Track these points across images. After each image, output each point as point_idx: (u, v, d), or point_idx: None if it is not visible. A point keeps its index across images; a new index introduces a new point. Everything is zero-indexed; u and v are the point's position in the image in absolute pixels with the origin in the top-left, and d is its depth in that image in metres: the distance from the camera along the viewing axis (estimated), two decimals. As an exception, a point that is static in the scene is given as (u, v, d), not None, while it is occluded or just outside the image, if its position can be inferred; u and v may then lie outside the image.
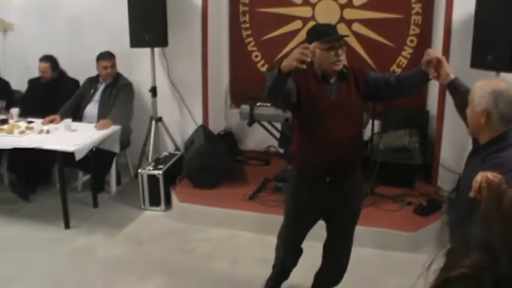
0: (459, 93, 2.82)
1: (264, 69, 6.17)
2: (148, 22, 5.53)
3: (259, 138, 6.33)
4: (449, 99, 5.38)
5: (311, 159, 3.35)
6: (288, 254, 3.84)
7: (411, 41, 5.82)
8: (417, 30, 5.80)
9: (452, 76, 2.89)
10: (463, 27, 5.07)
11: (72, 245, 4.75)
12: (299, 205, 3.55)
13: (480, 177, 1.96)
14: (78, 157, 4.78)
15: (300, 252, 3.79)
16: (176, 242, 4.84)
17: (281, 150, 5.98)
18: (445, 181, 5.59)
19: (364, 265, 4.37)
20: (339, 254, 3.75)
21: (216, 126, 6.22)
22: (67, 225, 5.01)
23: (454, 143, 5.48)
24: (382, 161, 5.30)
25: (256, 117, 4.98)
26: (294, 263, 3.88)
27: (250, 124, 5.00)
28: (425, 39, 5.74)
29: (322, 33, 3.26)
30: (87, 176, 5.70)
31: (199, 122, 6.08)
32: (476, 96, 2.53)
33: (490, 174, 2.00)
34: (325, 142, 3.26)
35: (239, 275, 4.35)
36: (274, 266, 3.99)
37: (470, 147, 2.80)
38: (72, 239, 4.86)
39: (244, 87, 6.09)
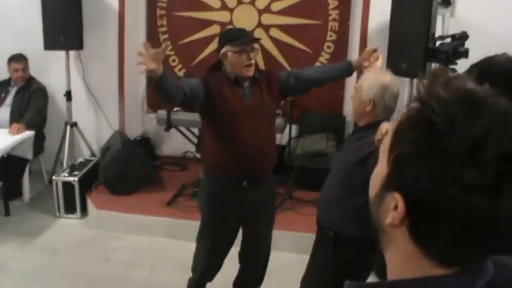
0: None
1: (181, 73, 6.14)
2: (63, 24, 5.36)
3: (176, 143, 6.27)
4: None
5: (226, 164, 3.32)
6: (206, 272, 3.75)
7: (328, 46, 5.94)
8: (334, 37, 5.92)
9: None
10: (379, 35, 5.22)
11: (-19, 257, 4.53)
12: (215, 214, 3.48)
13: (385, 125, 2.16)
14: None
15: (217, 267, 3.71)
16: (93, 250, 4.72)
17: (198, 156, 5.95)
18: (361, 184, 5.72)
19: (285, 270, 4.40)
20: (256, 261, 3.74)
21: (133, 131, 6.12)
22: (-24, 235, 4.79)
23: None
24: (299, 166, 5.37)
25: (173, 122, 4.93)
26: (211, 277, 3.79)
27: (167, 129, 4.95)
28: (341, 45, 5.88)
29: (234, 37, 3.28)
30: (-2, 183, 5.47)
31: (116, 127, 5.97)
32: (365, 86, 2.78)
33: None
34: (240, 146, 3.25)
35: (159, 283, 4.29)
36: (190, 280, 3.88)
37: None
38: (-18, 249, 4.64)
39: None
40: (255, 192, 3.41)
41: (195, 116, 4.83)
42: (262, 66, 3.44)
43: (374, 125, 2.71)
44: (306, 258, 4.62)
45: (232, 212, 3.46)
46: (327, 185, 2.98)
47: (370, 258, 2.85)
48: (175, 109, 4.95)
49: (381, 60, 3.26)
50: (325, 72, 3.52)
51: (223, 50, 3.26)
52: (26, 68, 5.56)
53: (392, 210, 0.87)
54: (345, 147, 2.96)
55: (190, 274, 3.96)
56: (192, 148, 5.94)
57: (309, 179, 5.47)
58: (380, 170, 0.92)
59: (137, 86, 6.27)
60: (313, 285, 3.00)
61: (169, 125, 4.90)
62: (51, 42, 5.41)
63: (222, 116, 3.24)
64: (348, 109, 6.02)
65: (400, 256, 0.92)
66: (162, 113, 4.91)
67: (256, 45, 3.33)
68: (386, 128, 2.05)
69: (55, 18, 5.35)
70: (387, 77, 2.79)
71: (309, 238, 4.73)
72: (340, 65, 3.54)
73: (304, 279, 3.13)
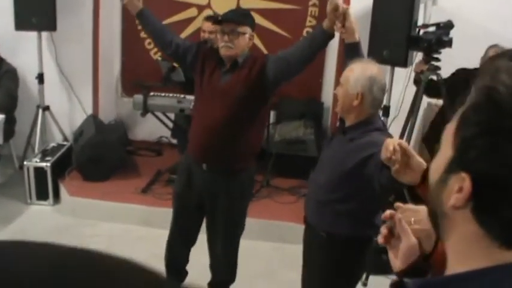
0: (356, 57, 2.84)
1: (157, 57, 6.01)
2: (36, 4, 5.15)
3: (151, 128, 6.14)
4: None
5: (192, 140, 3.38)
6: (172, 245, 3.73)
7: (308, 32, 5.85)
8: (313, 22, 5.84)
9: (357, 37, 2.89)
10: (360, 21, 5.10)
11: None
12: (179, 187, 3.54)
13: (391, 141, 1.98)
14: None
15: (188, 248, 3.71)
16: (67, 238, 4.57)
17: (174, 141, 5.85)
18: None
19: (262, 259, 4.37)
20: (220, 250, 3.61)
21: (106, 115, 5.97)
22: None
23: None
24: (277, 153, 5.30)
25: (150, 107, 4.80)
26: (182, 261, 3.75)
27: (143, 114, 4.81)
28: (321, 32, 5.79)
29: (220, 15, 3.38)
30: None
31: (89, 111, 5.82)
32: (352, 79, 2.63)
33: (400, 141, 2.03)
34: (203, 125, 3.27)
35: (134, 273, 4.19)
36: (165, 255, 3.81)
37: None
38: (-50, 237, 4.49)
39: (136, 76, 5.90)
40: (218, 182, 3.35)
41: (172, 101, 4.79)
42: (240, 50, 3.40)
43: (363, 124, 2.65)
44: (282, 246, 4.62)
45: (192, 193, 3.44)
46: (315, 184, 2.88)
47: (364, 256, 2.81)
48: (151, 94, 4.83)
49: (351, 18, 2.86)
50: (307, 45, 3.21)
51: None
52: (-5, 49, 5.36)
53: (456, 192, 0.89)
54: (333, 146, 2.79)
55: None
56: (167, 133, 5.84)
57: (287, 166, 5.43)
58: (443, 155, 0.94)
59: (111, 69, 6.13)
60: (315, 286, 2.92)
61: (145, 109, 4.77)
62: (22, 23, 5.21)
63: (198, 90, 3.34)
64: (326, 96, 5.98)
65: (464, 240, 0.92)
66: (138, 97, 4.77)
67: (240, 29, 3.21)
68: (393, 144, 1.91)
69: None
70: (374, 68, 2.67)
71: (285, 227, 4.74)
72: (313, 33, 3.31)
73: (304, 279, 3.08)
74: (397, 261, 1.43)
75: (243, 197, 3.54)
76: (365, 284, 4.10)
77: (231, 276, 3.75)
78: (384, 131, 2.74)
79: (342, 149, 2.67)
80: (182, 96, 4.82)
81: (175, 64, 4.68)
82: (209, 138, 3.24)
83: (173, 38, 3.32)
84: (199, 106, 3.33)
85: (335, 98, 5.39)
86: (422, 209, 1.50)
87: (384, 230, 1.46)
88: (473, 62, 4.50)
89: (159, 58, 5.03)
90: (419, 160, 1.94)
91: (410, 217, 1.46)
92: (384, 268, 4.29)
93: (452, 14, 4.63)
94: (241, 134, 3.31)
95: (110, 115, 6.08)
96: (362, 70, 2.65)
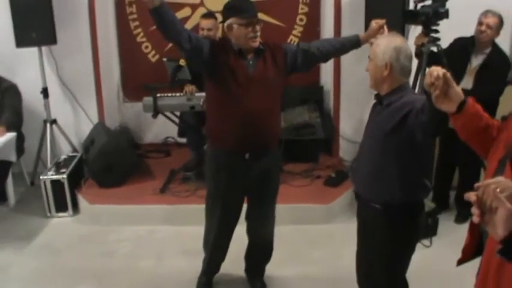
0: None
1: (155, 59, 6.12)
2: (35, 19, 5.16)
3: (156, 130, 6.26)
4: (344, 74, 5.62)
5: (229, 135, 3.37)
6: (218, 244, 3.79)
7: (301, 19, 5.96)
8: (306, 9, 5.95)
9: None
10: (354, 4, 5.25)
11: (-20, 267, 4.37)
12: (221, 186, 3.54)
13: (435, 68, 2.08)
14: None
15: (227, 241, 3.78)
16: (93, 246, 4.65)
17: (181, 140, 5.92)
18: (346, 152, 5.83)
19: (286, 241, 4.46)
20: (264, 230, 3.79)
21: (111, 122, 6.01)
22: (-33, 246, 4.61)
23: (350, 116, 5.73)
24: (286, 139, 5.40)
25: (160, 108, 4.86)
26: (224, 255, 3.86)
27: (155, 116, 4.87)
28: (314, 17, 5.92)
29: (239, 9, 3.29)
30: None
31: (94, 120, 5.85)
32: (379, 52, 2.78)
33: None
34: (242, 117, 3.29)
35: (168, 270, 4.27)
36: (204, 260, 3.94)
37: (366, 116, 3.03)
38: (-22, 260, 4.48)
39: (137, 80, 5.98)
40: (259, 165, 3.46)
41: (182, 99, 4.86)
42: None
43: (398, 90, 2.77)
44: (303, 228, 4.74)
45: (236, 185, 3.51)
46: (362, 158, 2.98)
47: (419, 221, 2.90)
48: (158, 95, 4.88)
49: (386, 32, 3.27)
50: (333, 46, 3.54)
51: (228, 22, 3.31)
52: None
53: None
54: (373, 118, 2.92)
55: (196, 257, 4.01)
56: (173, 133, 5.91)
57: (297, 151, 5.53)
58: None
59: (112, 76, 6.16)
60: (374, 261, 2.96)
61: (156, 111, 4.83)
62: (23, 39, 5.21)
63: (226, 86, 3.29)
64: (324, 79, 6.09)
65: None
66: (148, 99, 4.83)
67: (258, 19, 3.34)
68: (437, 71, 2.05)
69: (25, 14, 5.14)
70: (398, 39, 2.81)
71: (303, 209, 4.87)
72: (347, 39, 3.56)
73: (361, 257, 3.10)
74: (498, 230, 1.48)
75: (278, 172, 3.81)
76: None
77: (270, 254, 3.91)
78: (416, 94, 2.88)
79: (382, 115, 2.79)
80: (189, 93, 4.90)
81: (181, 63, 4.75)
82: (252, 126, 3.30)
83: (189, 32, 3.26)
84: (233, 98, 3.30)
85: (336, 82, 5.58)
86: (501, 178, 1.60)
87: (475, 210, 1.54)
88: (469, 30, 4.68)
89: (165, 59, 5.06)
90: (458, 91, 2.09)
91: (495, 189, 1.52)
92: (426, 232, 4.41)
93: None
94: (275, 116, 3.50)
95: (114, 122, 6.12)
96: (387, 42, 2.79)
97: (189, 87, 4.97)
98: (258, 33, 3.29)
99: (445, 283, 3.90)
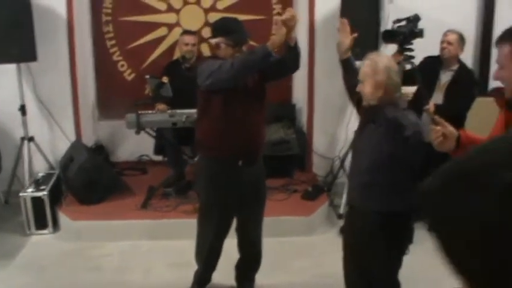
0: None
1: (131, 77, 6.18)
2: (15, 34, 5.10)
3: (130, 148, 6.28)
4: (316, 91, 5.81)
5: (222, 144, 3.52)
6: (213, 254, 3.88)
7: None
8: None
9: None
10: (329, 24, 5.46)
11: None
12: (216, 194, 3.66)
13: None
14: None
15: (220, 251, 3.88)
16: (78, 262, 4.65)
17: (155, 158, 6.02)
18: (319, 168, 6.02)
19: (270, 253, 4.57)
20: (255, 238, 3.94)
21: (87, 140, 6.01)
22: None
23: (323, 132, 5.92)
24: (264, 155, 5.52)
25: (143, 124, 4.93)
26: (216, 264, 3.95)
27: (138, 132, 4.93)
28: (288, 37, 6.08)
29: (228, 30, 3.46)
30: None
31: (71, 137, 5.85)
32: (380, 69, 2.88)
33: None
34: (235, 126, 3.46)
35: (157, 282, 4.33)
36: (196, 272, 4.01)
37: (338, 134, 3.23)
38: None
39: (112, 98, 6.02)
40: (250, 172, 3.62)
41: (164, 116, 4.95)
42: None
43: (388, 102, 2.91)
44: (284, 240, 4.86)
45: (230, 192, 3.63)
46: (355, 169, 3.14)
47: (410, 228, 3.04)
48: (139, 112, 4.95)
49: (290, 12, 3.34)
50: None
51: (215, 40, 3.45)
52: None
53: None
54: (364, 128, 3.06)
55: (183, 270, 4.11)
56: (148, 151, 6.01)
57: (273, 166, 5.65)
58: None
59: (88, 94, 6.18)
60: (370, 268, 3.08)
61: (139, 127, 4.90)
62: (1, 56, 5.13)
63: (220, 97, 3.43)
64: (297, 97, 6.28)
65: None
66: (131, 116, 4.88)
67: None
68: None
69: (5, 30, 5.08)
70: (384, 59, 2.97)
71: (283, 221, 4.99)
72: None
73: (349, 265, 3.20)
74: None
75: (265, 180, 3.95)
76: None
77: (260, 263, 4.03)
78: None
79: (372, 125, 2.95)
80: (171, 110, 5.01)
81: (163, 80, 4.86)
82: (245, 134, 3.49)
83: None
84: (228, 109, 3.45)
85: (310, 98, 5.77)
86: None
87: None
88: (435, 49, 4.99)
89: (147, 76, 5.16)
90: (451, 128, 2.25)
91: None
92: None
93: (409, 9, 5.04)
94: (263, 125, 3.73)
95: (90, 140, 6.12)
96: (386, 61, 2.94)
97: (160, 106, 5.11)
98: None
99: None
